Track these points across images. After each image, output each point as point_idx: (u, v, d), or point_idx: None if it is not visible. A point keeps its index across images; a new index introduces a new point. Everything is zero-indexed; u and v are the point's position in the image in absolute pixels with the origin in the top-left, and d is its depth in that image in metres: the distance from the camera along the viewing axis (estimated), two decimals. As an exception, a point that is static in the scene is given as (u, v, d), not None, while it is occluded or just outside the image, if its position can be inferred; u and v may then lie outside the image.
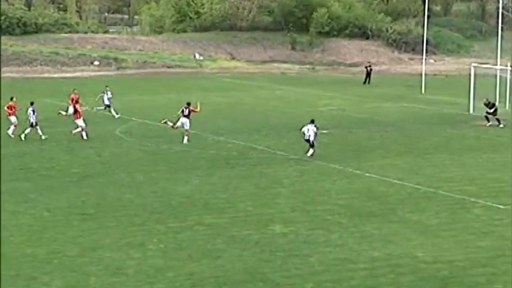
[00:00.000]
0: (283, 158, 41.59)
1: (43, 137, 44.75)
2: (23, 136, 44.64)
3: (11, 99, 46.93)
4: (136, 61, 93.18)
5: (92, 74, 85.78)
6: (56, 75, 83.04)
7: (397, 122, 54.71)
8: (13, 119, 45.97)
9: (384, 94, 70.58)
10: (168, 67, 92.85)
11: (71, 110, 48.98)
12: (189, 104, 45.38)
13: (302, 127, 41.90)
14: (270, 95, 69.98)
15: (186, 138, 44.73)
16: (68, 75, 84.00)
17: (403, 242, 27.62)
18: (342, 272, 24.62)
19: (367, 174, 37.85)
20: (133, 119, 52.42)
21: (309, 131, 41.38)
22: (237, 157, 41.78)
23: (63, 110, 49.99)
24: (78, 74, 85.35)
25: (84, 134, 45.16)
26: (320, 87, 75.35)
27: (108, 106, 54.17)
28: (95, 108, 53.33)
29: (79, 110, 46.14)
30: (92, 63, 46.61)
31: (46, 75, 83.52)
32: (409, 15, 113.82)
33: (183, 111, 44.93)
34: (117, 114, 53.47)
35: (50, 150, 42.34)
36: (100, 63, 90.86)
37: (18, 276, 23.63)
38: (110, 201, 32.24)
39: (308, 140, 41.50)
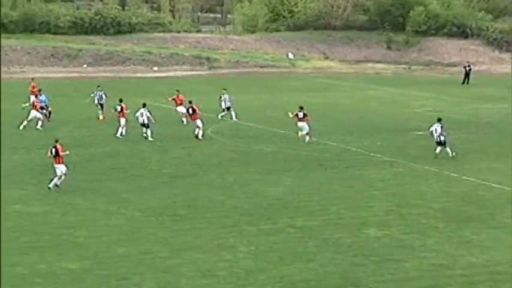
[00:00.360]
0: (377, 160, 40.83)
1: (150, 139, 44.62)
2: (150, 138, 44.70)
3: (121, 101, 46.98)
4: (229, 60, 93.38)
5: (184, 73, 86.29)
6: (148, 75, 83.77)
7: (497, 123, 53.18)
8: (122, 121, 45.95)
9: (483, 95, 68.91)
10: (261, 67, 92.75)
11: (182, 110, 49.95)
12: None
13: (430, 127, 41.21)
14: (364, 95, 69.12)
15: (200, 132, 45.19)
16: (160, 74, 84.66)
17: (502, 248, 26.71)
18: (438, 278, 23.92)
19: (465, 178, 36.85)
20: (225, 119, 52.26)
21: (437, 131, 40.72)
22: (330, 159, 41.21)
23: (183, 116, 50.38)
24: (170, 73, 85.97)
25: (200, 133, 45.45)
26: (416, 88, 74.08)
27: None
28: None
29: (197, 110, 46.35)
30: (151, 68, 46.79)
31: (139, 74, 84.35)
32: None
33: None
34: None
35: (142, 151, 42.48)
36: (191, 63, 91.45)
37: (110, 276, 23.63)
38: (201, 202, 32.07)
39: (439, 142, 40.69)
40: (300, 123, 45.10)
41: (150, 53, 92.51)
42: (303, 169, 38.52)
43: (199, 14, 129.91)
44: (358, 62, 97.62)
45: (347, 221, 29.73)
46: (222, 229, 28.49)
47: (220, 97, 53.27)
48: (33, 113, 48.04)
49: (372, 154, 42.29)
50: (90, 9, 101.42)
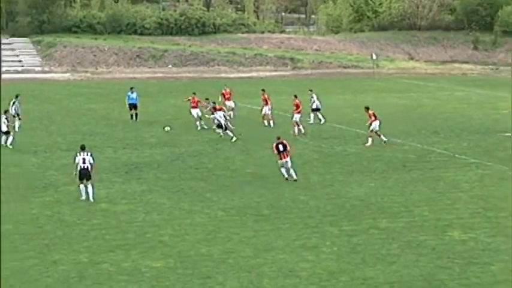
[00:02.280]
0: (462, 162, 40.24)
1: (233, 139, 44.94)
2: (233, 139, 44.89)
3: (194, 93, 48.00)
4: (312, 61, 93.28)
5: (268, 74, 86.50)
6: (232, 75, 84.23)
7: None
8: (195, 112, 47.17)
9: None
10: (344, 67, 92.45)
11: (231, 104, 50.39)
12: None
13: None
14: (450, 96, 68.21)
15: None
16: (244, 75, 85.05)
17: None
18: (526, 283, 23.43)
19: (554, 180, 36.00)
20: (307, 119, 52.15)
21: None
22: (414, 160, 40.77)
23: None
24: (253, 74, 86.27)
25: (296, 130, 46.26)
26: (504, 89, 72.72)
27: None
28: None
29: (299, 105, 47.10)
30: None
31: (223, 75, 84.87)
32: None
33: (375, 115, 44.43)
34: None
35: (225, 150, 42.71)
36: (275, 64, 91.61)
37: (194, 275, 23.78)
38: (284, 203, 32.06)
39: None
40: (376, 122, 44.24)
41: (234, 53, 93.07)
42: (387, 170, 38.19)
43: (283, 14, 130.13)
44: (443, 62, 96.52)
45: (431, 223, 29.35)
46: (304, 229, 28.44)
47: (311, 98, 52.59)
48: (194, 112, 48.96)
49: (457, 156, 41.70)
50: (175, 11, 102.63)
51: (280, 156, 35.62)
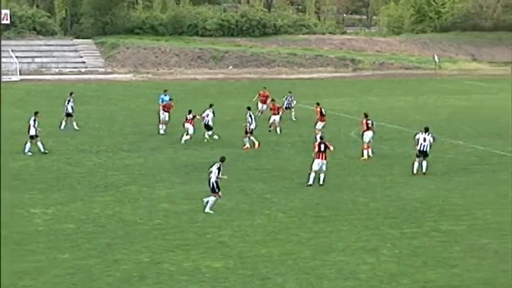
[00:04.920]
0: (525, 164, 39.67)
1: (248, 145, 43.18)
2: (255, 145, 43.48)
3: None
4: (373, 62, 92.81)
5: (328, 75, 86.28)
6: (292, 77, 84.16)
7: None
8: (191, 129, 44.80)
9: None
10: (406, 68, 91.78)
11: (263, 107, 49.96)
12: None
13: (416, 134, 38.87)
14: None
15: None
16: (304, 76, 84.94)
17: None
18: None
19: None
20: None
21: (426, 140, 37.31)
22: (476, 162, 40.31)
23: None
24: (314, 75, 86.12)
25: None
26: None
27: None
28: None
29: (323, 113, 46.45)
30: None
31: (283, 76, 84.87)
32: None
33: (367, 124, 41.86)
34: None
35: (284, 152, 42.70)
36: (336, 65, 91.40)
37: (253, 276, 23.83)
38: (344, 204, 31.95)
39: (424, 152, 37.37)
40: (369, 132, 41.12)
41: (294, 54, 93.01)
42: (448, 173, 37.82)
43: (344, 15, 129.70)
44: (508, 63, 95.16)
45: (494, 226, 28.98)
46: (364, 231, 28.30)
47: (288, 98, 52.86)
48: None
49: (520, 158, 41.14)
50: (236, 12, 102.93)
51: (318, 155, 35.05)
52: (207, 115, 45.42)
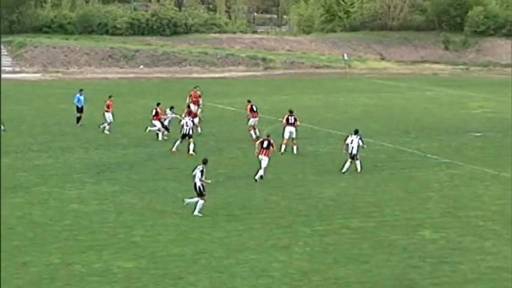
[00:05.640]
0: (433, 162, 40.48)
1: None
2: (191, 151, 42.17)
3: (158, 104, 46.36)
4: (284, 61, 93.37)
5: (240, 74, 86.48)
6: (204, 76, 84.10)
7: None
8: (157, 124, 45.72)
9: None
10: (316, 67, 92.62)
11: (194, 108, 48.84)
12: (291, 111, 42.86)
13: (346, 138, 39.45)
14: (421, 96, 68.56)
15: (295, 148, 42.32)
16: (216, 75, 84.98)
17: (561, 252, 26.24)
18: (496, 281, 23.66)
19: (523, 180, 36.28)
20: (280, 119, 52.13)
21: (353, 142, 37.75)
22: (386, 160, 40.96)
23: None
24: (226, 74, 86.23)
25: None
26: (474, 89, 73.30)
27: None
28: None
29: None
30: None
31: (195, 75, 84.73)
32: None
33: (287, 120, 42.29)
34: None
35: (197, 151, 42.58)
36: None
37: (166, 276, 23.77)
38: (256, 203, 32.09)
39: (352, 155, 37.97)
40: (289, 128, 41.86)
41: (206, 53, 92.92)
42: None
43: (255, 14, 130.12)
44: (415, 62, 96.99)
45: (403, 223, 29.51)
46: (276, 229, 28.48)
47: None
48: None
49: (428, 155, 41.93)
50: (146, 11, 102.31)
51: (260, 151, 35.76)
52: (168, 116, 45.48)
